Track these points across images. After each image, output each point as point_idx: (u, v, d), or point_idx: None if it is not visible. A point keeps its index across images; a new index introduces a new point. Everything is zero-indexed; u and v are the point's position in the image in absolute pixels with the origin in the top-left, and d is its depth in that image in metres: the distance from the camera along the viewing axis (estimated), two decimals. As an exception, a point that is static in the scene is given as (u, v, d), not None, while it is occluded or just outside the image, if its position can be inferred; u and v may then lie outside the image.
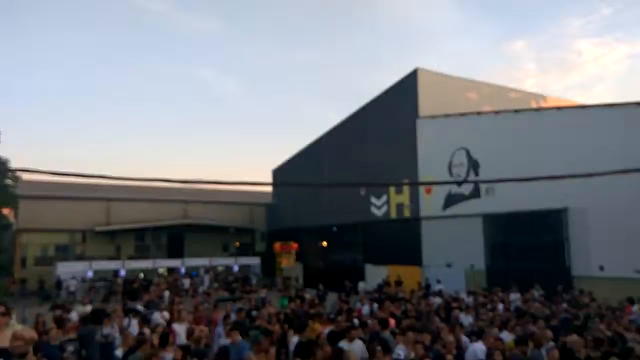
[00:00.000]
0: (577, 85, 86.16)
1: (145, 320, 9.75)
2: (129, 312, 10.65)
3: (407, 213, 25.74)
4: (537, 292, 15.59)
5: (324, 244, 32.91)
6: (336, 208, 29.96)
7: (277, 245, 34.59)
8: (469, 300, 14.38)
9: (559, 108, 23.83)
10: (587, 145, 17.54)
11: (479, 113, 23.61)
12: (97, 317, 8.92)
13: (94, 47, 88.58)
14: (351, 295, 16.63)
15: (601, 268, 16.96)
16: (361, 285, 22.23)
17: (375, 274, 24.75)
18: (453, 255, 22.22)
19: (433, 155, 24.02)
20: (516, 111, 22.28)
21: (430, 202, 24.26)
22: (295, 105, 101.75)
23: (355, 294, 18.40)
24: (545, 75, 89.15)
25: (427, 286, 20.06)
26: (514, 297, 14.90)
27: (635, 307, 12.51)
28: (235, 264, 33.24)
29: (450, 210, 23.11)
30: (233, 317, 10.44)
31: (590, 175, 13.27)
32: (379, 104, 28.32)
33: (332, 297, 16.59)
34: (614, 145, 16.67)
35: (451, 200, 23.15)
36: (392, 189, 26.59)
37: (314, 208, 32.31)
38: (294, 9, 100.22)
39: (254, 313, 11.51)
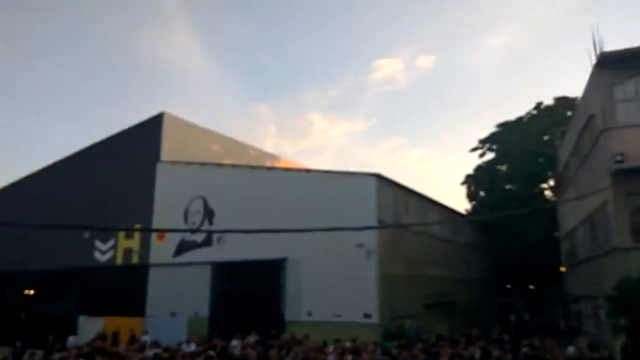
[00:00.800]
0: (306, 150, 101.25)
1: None
2: None
3: (135, 259, 24.32)
4: (252, 338, 16.51)
5: (30, 292, 28.07)
6: (51, 251, 26.09)
7: (-38, 295, 27.69)
8: (190, 349, 14.21)
9: (287, 169, 27.11)
10: (307, 204, 19.92)
11: (218, 165, 24.63)
12: None
13: None
14: (55, 352, 14.35)
15: (309, 313, 19.16)
16: (71, 340, 19.43)
17: (90, 327, 22.10)
18: (179, 303, 21.76)
19: (170, 202, 23.68)
20: (252, 167, 24.30)
21: (162, 249, 23.57)
22: (23, 126, 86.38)
23: (63, 350, 15.97)
24: (282, 138, 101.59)
25: (132, 337, 18.72)
26: (235, 343, 15.41)
27: (330, 348, 14.44)
28: None
29: (181, 258, 22.88)
30: None
31: (302, 230, 15.22)
32: (119, 143, 26.70)
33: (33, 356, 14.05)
34: (328, 205, 19.38)
35: (183, 247, 22.99)
36: (121, 233, 24.88)
37: (21, 250, 27.38)
38: (45, 15, 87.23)
39: None
